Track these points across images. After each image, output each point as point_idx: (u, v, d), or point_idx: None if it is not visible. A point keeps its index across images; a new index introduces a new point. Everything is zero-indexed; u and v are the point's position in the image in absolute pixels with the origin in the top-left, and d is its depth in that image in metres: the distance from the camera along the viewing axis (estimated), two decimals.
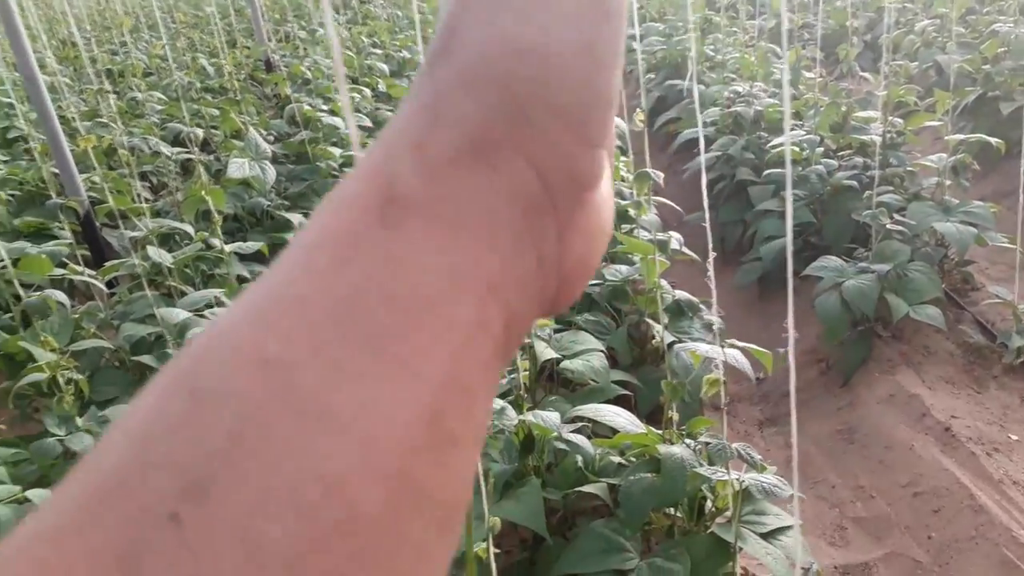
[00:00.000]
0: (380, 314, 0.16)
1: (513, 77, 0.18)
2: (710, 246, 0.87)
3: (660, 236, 2.22)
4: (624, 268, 2.33)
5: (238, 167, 3.10)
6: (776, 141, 3.09)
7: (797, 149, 3.08)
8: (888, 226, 2.60)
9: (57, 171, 3.02)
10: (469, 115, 0.18)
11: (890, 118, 2.93)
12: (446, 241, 0.17)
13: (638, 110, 1.55)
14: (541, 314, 0.20)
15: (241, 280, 2.72)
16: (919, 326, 2.46)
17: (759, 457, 1.14)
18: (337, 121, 3.89)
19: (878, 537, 1.93)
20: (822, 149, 3.19)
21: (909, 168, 2.95)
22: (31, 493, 1.60)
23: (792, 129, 3.38)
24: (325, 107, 4.15)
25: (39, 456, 1.83)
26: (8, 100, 4.49)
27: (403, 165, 0.18)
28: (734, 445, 1.12)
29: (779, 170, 3.19)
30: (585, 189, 0.20)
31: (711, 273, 0.79)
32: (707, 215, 0.91)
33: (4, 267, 2.29)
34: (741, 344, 1.11)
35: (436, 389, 0.16)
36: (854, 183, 2.91)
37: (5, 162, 3.69)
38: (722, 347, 1.03)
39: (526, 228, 0.18)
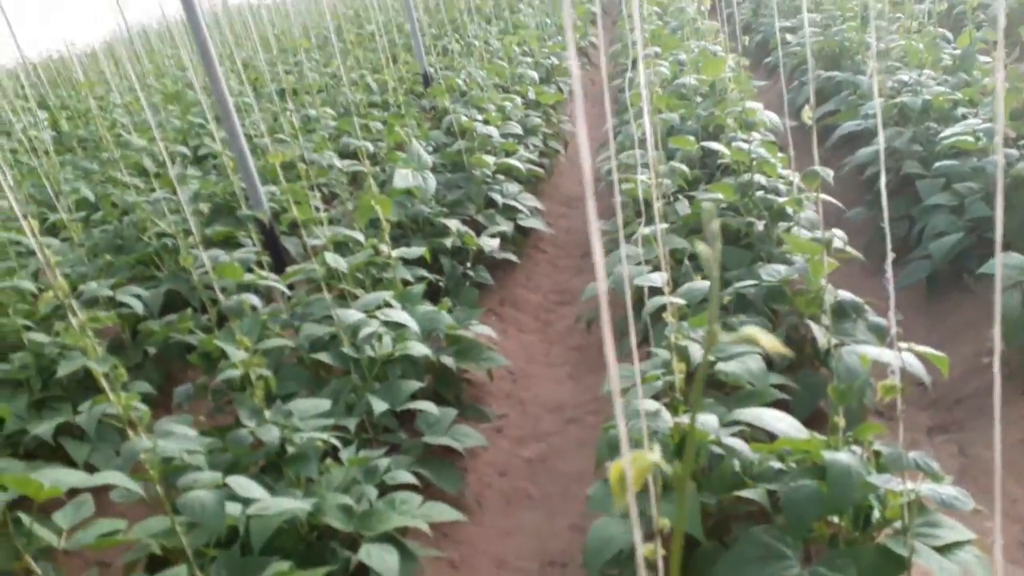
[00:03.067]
0: None
1: None
2: (888, 244, 0.85)
3: (821, 235, 2.16)
4: (782, 268, 2.28)
5: (402, 177, 3.31)
6: (948, 132, 2.90)
7: (971, 139, 2.88)
8: None
9: (244, 185, 3.33)
10: None
11: None
12: None
13: (807, 107, 1.53)
14: None
15: (405, 283, 2.89)
16: None
17: (936, 466, 1.11)
18: (491, 130, 4.03)
19: None
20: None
21: None
22: (230, 480, 1.76)
23: (965, 117, 3.16)
24: (480, 117, 4.29)
25: (234, 445, 2.03)
26: (199, 120, 4.98)
27: None
28: (911, 454, 1.08)
29: (951, 162, 2.99)
30: None
31: (889, 273, 0.78)
32: (885, 211, 0.90)
33: (205, 273, 2.56)
34: (917, 348, 1.08)
35: None
36: None
37: (198, 178, 4.10)
38: (897, 350, 1.01)
39: None
